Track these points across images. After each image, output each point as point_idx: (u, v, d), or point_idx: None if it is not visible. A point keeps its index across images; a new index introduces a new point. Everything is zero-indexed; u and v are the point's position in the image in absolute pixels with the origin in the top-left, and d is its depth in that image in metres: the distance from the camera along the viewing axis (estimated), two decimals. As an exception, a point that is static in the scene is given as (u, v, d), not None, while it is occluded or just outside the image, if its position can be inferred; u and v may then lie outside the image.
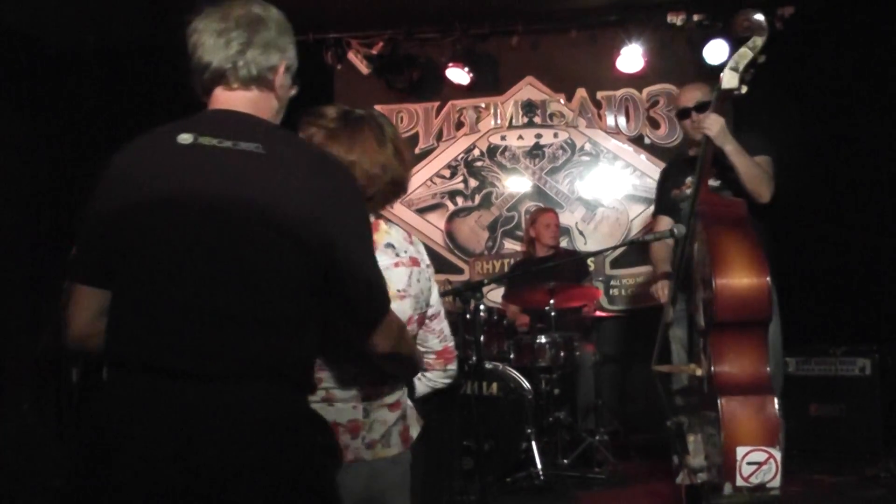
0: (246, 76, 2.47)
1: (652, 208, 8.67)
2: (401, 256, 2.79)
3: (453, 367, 3.03)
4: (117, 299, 2.34)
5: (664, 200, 5.45)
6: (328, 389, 2.65)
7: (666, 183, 5.50)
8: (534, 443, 6.53)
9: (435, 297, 2.94)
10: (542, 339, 6.96)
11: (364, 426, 2.68)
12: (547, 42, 8.94)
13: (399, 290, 2.71)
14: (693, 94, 5.20)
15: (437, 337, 2.96)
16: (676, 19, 8.35)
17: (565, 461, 6.82)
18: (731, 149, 4.72)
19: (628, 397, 8.35)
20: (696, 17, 8.31)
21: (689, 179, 5.08)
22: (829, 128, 7.89)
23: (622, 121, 8.99)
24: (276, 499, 2.20)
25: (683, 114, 5.21)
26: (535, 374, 6.90)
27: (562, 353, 6.98)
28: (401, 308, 2.68)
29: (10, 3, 7.59)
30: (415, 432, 2.88)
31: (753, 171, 4.79)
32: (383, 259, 2.64)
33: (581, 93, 9.08)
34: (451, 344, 3.01)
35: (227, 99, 2.48)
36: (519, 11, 8.62)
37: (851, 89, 7.95)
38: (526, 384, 6.72)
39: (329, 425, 2.61)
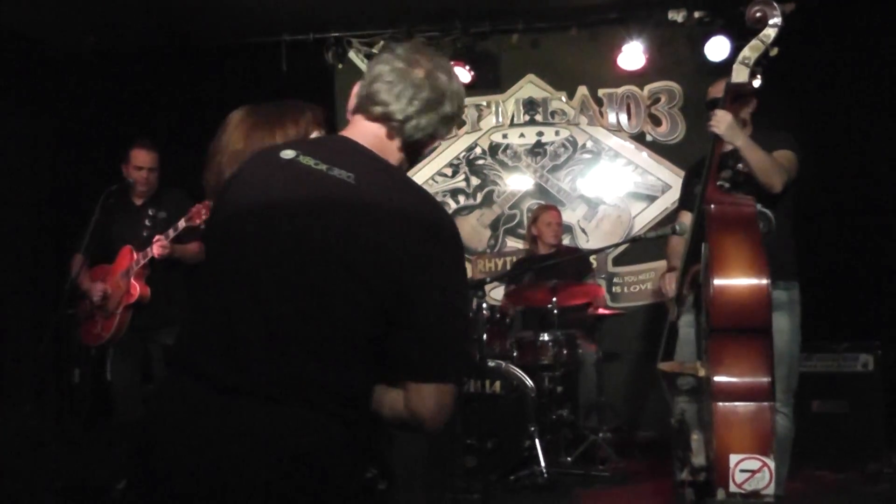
0: (410, 136, 2.49)
1: (653, 205, 8.69)
2: None
3: None
4: (191, 301, 2.40)
5: (687, 195, 5.36)
6: None
7: (691, 178, 5.40)
8: (537, 441, 6.51)
9: None
10: (545, 337, 6.95)
11: None
12: (547, 40, 8.93)
13: None
14: (722, 87, 5.09)
15: None
16: (677, 16, 8.33)
17: (568, 459, 6.82)
18: (741, 144, 4.59)
19: (631, 395, 8.34)
20: (696, 14, 8.29)
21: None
22: (831, 125, 7.87)
23: (623, 118, 8.98)
24: None
25: (711, 104, 5.11)
26: (538, 371, 6.89)
27: (564, 351, 6.97)
28: None
29: (10, 4, 7.59)
30: None
31: (765, 164, 4.66)
32: None
33: (582, 90, 9.07)
34: None
35: (362, 131, 2.50)
36: (519, 9, 8.60)
37: (853, 86, 7.94)
38: (528, 382, 6.70)
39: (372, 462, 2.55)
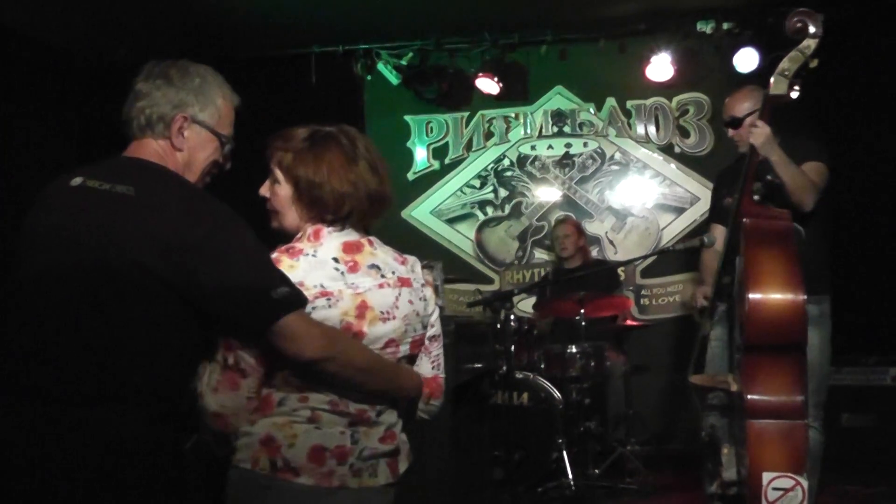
0: (136, 127, 2.71)
1: (681, 217, 8.66)
2: (386, 277, 2.70)
3: (437, 402, 2.88)
4: (8, 321, 2.58)
5: (717, 208, 5.32)
6: (314, 409, 2.59)
7: (720, 190, 5.35)
8: (564, 453, 6.51)
9: (435, 318, 2.87)
10: (573, 349, 6.94)
11: (352, 452, 2.60)
12: (576, 51, 8.92)
13: (382, 313, 2.65)
14: (742, 105, 5.04)
15: (431, 362, 2.86)
16: (706, 27, 8.33)
17: (596, 471, 6.78)
18: (776, 159, 4.54)
19: (659, 407, 8.31)
20: (725, 26, 8.29)
21: None
22: (860, 136, 7.84)
23: (652, 130, 8.97)
24: None
25: (731, 123, 5.08)
26: (566, 383, 6.86)
27: (592, 363, 6.96)
28: (381, 331, 2.65)
29: (42, 18, 7.66)
30: (403, 467, 2.76)
31: (798, 182, 4.63)
32: (365, 281, 2.65)
33: (610, 102, 9.08)
34: (443, 377, 2.89)
35: (133, 148, 2.72)
36: (548, 21, 8.62)
37: (882, 95, 7.90)
38: (556, 394, 6.69)
39: (181, 460, 2.65)
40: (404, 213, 9.26)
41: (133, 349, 2.47)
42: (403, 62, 9.00)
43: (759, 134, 4.47)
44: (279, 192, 2.74)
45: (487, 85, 8.81)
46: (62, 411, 2.43)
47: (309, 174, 2.68)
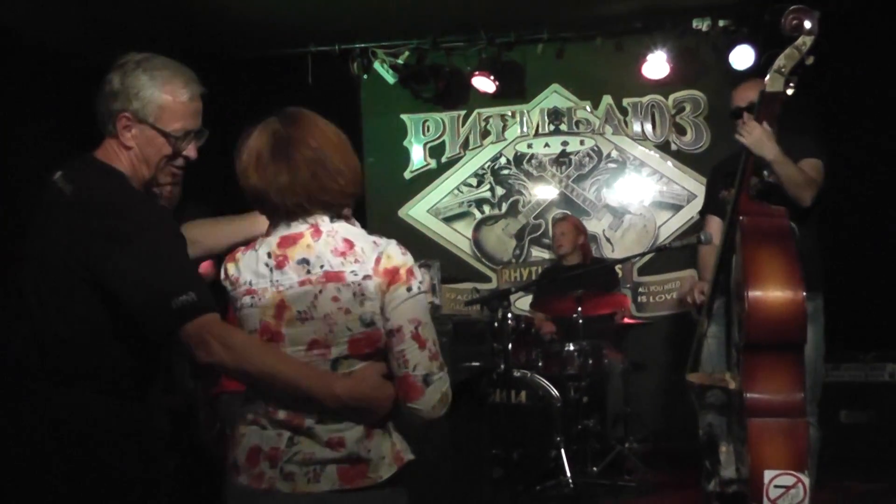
0: (100, 124, 2.90)
1: (678, 214, 8.64)
2: (312, 273, 2.49)
3: (417, 405, 2.51)
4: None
5: (713, 200, 5.29)
6: (255, 412, 2.55)
7: (716, 183, 5.32)
8: (563, 451, 6.51)
9: (392, 310, 2.49)
10: (571, 347, 6.94)
11: (284, 455, 2.48)
12: (572, 49, 8.92)
13: (299, 312, 2.48)
14: (746, 95, 4.99)
15: (395, 360, 2.51)
16: (702, 25, 8.32)
17: (595, 469, 6.79)
18: (772, 158, 4.49)
19: (657, 405, 8.32)
20: (721, 23, 8.30)
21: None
22: (854, 130, 7.83)
23: (648, 127, 8.97)
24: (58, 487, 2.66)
25: (735, 113, 5.04)
26: (564, 382, 6.87)
27: (590, 361, 6.96)
28: (300, 332, 2.49)
29: (41, 19, 7.65)
30: (385, 472, 2.52)
31: (796, 178, 4.60)
32: (290, 277, 2.50)
33: (607, 100, 9.08)
34: (417, 375, 2.50)
35: (101, 145, 2.91)
36: (544, 19, 8.61)
37: (878, 93, 7.90)
38: (554, 392, 6.69)
39: (140, 435, 2.80)
40: (401, 212, 9.26)
41: (68, 335, 2.67)
42: (400, 61, 9.00)
43: (748, 132, 4.45)
44: None
45: (484, 83, 8.82)
46: (18, 387, 2.70)
47: (236, 166, 2.60)
